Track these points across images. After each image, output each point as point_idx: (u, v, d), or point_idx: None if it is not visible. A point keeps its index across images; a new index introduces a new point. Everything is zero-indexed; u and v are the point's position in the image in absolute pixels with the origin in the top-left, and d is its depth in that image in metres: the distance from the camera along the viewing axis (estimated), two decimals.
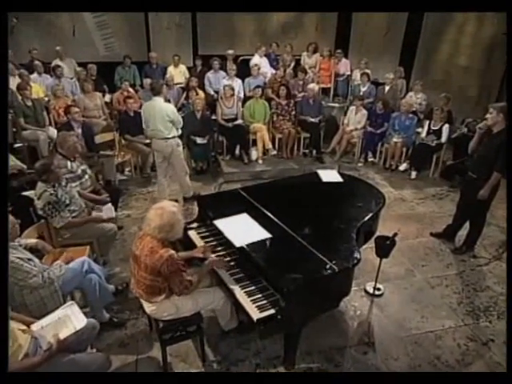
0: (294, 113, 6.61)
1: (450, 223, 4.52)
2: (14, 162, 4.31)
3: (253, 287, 2.62)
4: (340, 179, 3.82)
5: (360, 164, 6.70)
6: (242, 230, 2.88)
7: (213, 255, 2.91)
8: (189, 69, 8.46)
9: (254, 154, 6.40)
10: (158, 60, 8.33)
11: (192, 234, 3.24)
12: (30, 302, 2.76)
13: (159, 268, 2.45)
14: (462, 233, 4.43)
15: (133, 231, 4.63)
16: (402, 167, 6.43)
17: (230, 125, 6.33)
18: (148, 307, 2.65)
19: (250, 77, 7.34)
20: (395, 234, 3.37)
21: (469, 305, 3.61)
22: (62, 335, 2.40)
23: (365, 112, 6.68)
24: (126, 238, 4.50)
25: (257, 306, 2.48)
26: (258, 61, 7.70)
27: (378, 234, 3.48)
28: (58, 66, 6.77)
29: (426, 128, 6.26)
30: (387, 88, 7.23)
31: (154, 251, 2.48)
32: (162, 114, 4.73)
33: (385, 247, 3.36)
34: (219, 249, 3.01)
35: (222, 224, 2.96)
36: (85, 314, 3.04)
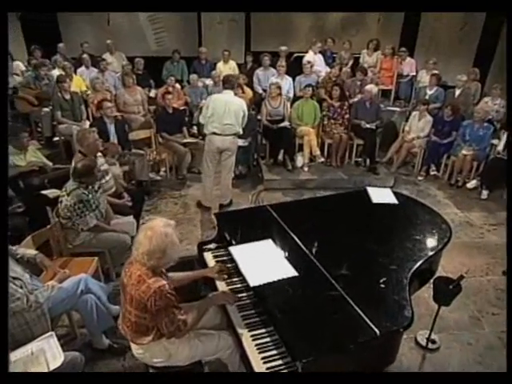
0: (347, 116, 5.91)
1: None
2: (37, 157, 4.06)
3: (267, 339, 2.05)
4: (394, 200, 3.12)
5: (420, 178, 5.86)
6: (262, 262, 2.31)
7: (224, 284, 2.39)
8: (239, 65, 8.04)
9: (300, 160, 5.79)
10: (207, 56, 7.99)
11: (208, 256, 2.73)
12: (13, 326, 2.38)
13: (145, 302, 1.97)
14: None
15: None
16: (471, 185, 5.52)
17: (274, 127, 5.76)
18: (135, 349, 2.17)
19: (302, 75, 6.73)
20: (461, 277, 2.64)
21: None
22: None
23: (430, 118, 5.83)
24: None
25: (268, 368, 1.91)
26: (312, 58, 7.07)
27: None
28: (103, 60, 6.59)
29: (503, 140, 5.32)
30: (458, 92, 6.28)
31: (142, 280, 2.00)
32: (235, 107, 4.42)
33: (446, 293, 2.64)
34: (236, 279, 2.47)
35: (238, 252, 2.41)
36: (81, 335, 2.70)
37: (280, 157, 5.74)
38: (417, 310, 3.05)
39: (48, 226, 3.16)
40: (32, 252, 2.75)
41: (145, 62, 7.54)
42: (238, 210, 3.80)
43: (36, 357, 2.10)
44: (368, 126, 5.77)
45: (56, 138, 5.73)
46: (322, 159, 5.77)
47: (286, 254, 2.39)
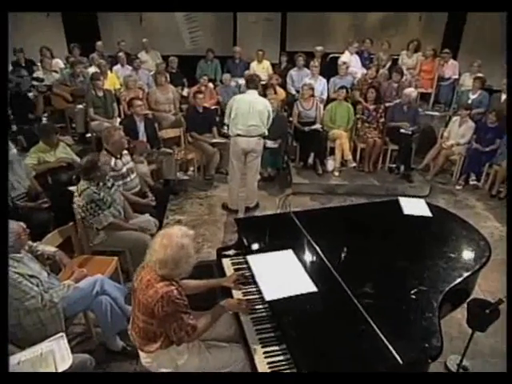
0: (382, 120, 5.66)
1: None
2: (66, 154, 4.09)
3: (280, 357, 1.92)
4: (428, 213, 2.90)
5: (458, 187, 5.52)
6: (280, 274, 2.18)
7: (240, 293, 2.27)
8: (273, 65, 7.93)
9: (331, 164, 5.59)
10: (241, 55, 7.92)
11: (226, 263, 2.63)
12: (28, 324, 2.38)
13: (153, 307, 1.90)
14: None
15: None
16: None
17: (306, 129, 5.60)
18: (143, 358, 2.09)
19: (337, 76, 6.52)
20: (500, 301, 2.39)
21: None
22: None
23: (472, 124, 5.48)
24: None
25: None
26: (348, 58, 6.85)
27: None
28: (136, 58, 6.65)
29: None
30: (504, 97, 5.87)
31: (150, 285, 1.94)
32: (260, 107, 4.31)
33: (482, 318, 2.40)
34: (253, 289, 2.35)
35: (256, 262, 2.29)
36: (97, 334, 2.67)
37: (310, 160, 5.57)
38: (448, 331, 2.87)
39: (70, 224, 3.17)
40: (51, 249, 2.75)
41: (179, 61, 7.56)
42: (260, 216, 3.69)
43: (45, 358, 2.07)
44: (404, 130, 5.49)
45: (88, 135, 5.82)
46: (354, 164, 5.54)
47: (307, 266, 2.25)
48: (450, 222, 2.83)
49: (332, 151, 5.59)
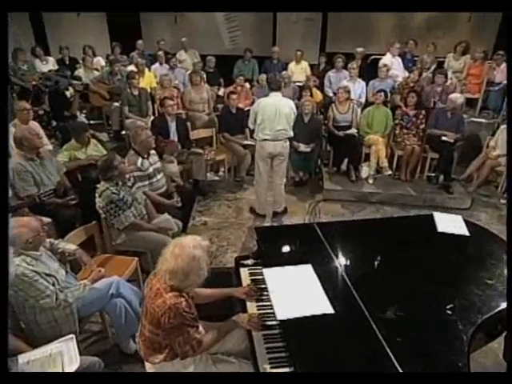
0: (422, 126, 5.35)
1: None
2: (97, 151, 4.14)
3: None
4: (465, 231, 2.65)
5: (503, 201, 5.11)
6: (296, 291, 2.05)
7: (255, 307, 2.16)
8: (312, 66, 7.76)
9: (365, 170, 5.36)
10: (279, 55, 7.81)
11: (244, 273, 2.52)
12: (42, 322, 2.39)
13: (159, 317, 1.83)
14: None
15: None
16: None
17: (340, 133, 5.40)
18: (147, 368, 2.03)
19: (376, 79, 6.25)
20: None
21: None
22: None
23: None
24: None
25: None
26: (389, 61, 6.55)
27: None
28: (173, 57, 6.70)
29: None
30: None
31: (159, 294, 1.87)
32: (287, 110, 4.20)
33: None
34: (268, 303, 2.23)
35: (271, 276, 2.17)
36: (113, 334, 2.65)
37: (343, 166, 5.37)
38: (483, 362, 2.63)
39: (93, 222, 3.18)
40: (72, 247, 2.75)
41: (217, 60, 7.57)
42: (282, 226, 3.55)
43: (53, 359, 2.07)
44: (446, 138, 5.17)
45: (123, 132, 5.91)
46: (390, 172, 5.27)
47: (325, 284, 2.09)
48: (490, 243, 2.57)
49: (367, 157, 5.36)
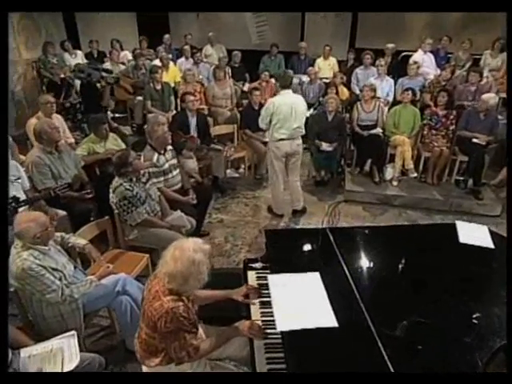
0: (452, 127, 5.08)
1: None
2: (116, 145, 4.16)
3: None
4: (490, 244, 2.47)
5: None
6: (300, 301, 1.95)
7: (258, 313, 2.08)
8: (340, 63, 7.57)
9: (389, 172, 5.16)
10: (307, 51, 7.65)
11: (251, 276, 2.44)
12: (49, 316, 2.41)
13: (156, 320, 1.79)
14: None
15: (217, 242, 4.08)
16: None
17: (365, 133, 5.22)
18: (145, 371, 1.99)
19: (405, 77, 6.01)
20: None
21: None
22: None
23: None
24: None
25: None
26: (420, 58, 6.29)
27: None
28: (198, 52, 6.67)
29: None
30: None
31: (157, 297, 1.83)
32: (301, 108, 4.14)
33: None
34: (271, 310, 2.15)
35: (276, 282, 2.08)
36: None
37: (367, 167, 5.19)
38: None
39: (106, 217, 3.18)
40: (82, 242, 2.76)
41: (243, 55, 7.50)
42: (293, 230, 3.45)
43: (54, 355, 2.07)
44: (478, 140, 4.90)
45: (146, 126, 5.92)
46: (415, 174, 5.05)
47: (332, 294, 1.98)
48: None
49: (392, 158, 5.15)
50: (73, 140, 4.56)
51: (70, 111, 5.76)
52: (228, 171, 5.59)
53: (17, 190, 3.19)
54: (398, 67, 6.63)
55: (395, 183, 5.05)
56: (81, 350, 2.32)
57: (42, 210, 3.23)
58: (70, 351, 2.07)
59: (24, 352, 2.07)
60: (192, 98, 4.72)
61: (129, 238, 3.26)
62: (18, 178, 3.25)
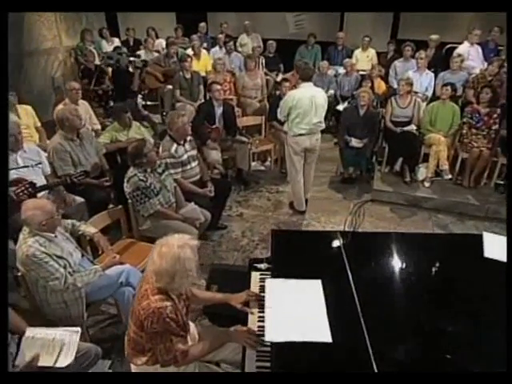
0: (495, 127, 4.69)
1: None
2: (139, 134, 4.15)
3: None
4: None
5: None
6: (295, 310, 1.84)
7: (256, 318, 1.98)
8: (379, 54, 7.22)
9: (422, 172, 4.86)
10: (345, 41, 7.36)
11: (255, 277, 2.33)
12: (53, 302, 2.44)
13: (143, 320, 1.74)
14: None
15: (233, 236, 4.01)
16: None
17: (398, 129, 4.94)
18: (133, 369, 1.96)
19: (447, 70, 5.62)
20: None
21: None
22: (40, 362, 1.99)
23: None
24: (222, 243, 3.91)
25: None
26: (465, 50, 5.86)
27: None
28: (230, 41, 6.56)
29: None
30: None
31: (146, 295, 1.78)
32: (322, 101, 4.00)
33: None
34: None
35: (274, 288, 1.97)
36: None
37: (397, 166, 4.92)
38: None
39: (119, 206, 3.19)
40: (91, 230, 2.77)
41: (279, 45, 7.33)
42: (302, 232, 3.29)
43: (53, 345, 2.07)
44: None
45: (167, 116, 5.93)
46: (450, 176, 4.73)
47: (332, 306, 1.85)
48: None
49: (426, 158, 4.85)
50: (99, 127, 4.61)
51: (102, 98, 5.87)
52: (254, 164, 5.50)
53: (37, 175, 3.27)
54: (442, 60, 6.22)
55: (427, 184, 4.76)
56: (84, 339, 2.36)
57: (60, 196, 3.32)
58: (68, 348, 2.06)
59: (29, 331, 2.10)
60: (218, 87, 4.64)
61: (142, 228, 3.26)
62: (39, 163, 3.32)
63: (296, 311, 1.84)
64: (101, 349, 2.29)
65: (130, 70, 5.76)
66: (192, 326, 2.11)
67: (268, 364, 1.79)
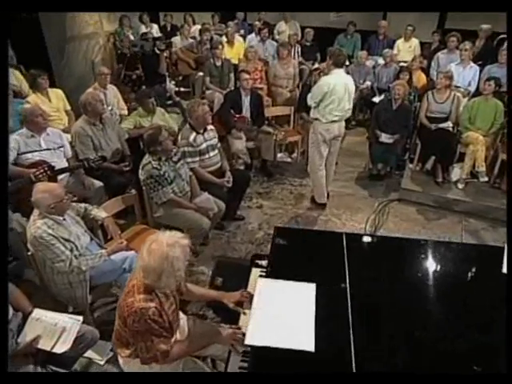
0: None
1: None
2: (163, 120, 4.17)
3: None
4: None
5: None
6: (283, 314, 1.78)
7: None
8: (423, 45, 6.85)
9: (456, 173, 4.57)
10: (386, 30, 7.02)
11: (255, 273, 2.28)
12: (58, 282, 2.53)
13: (126, 317, 1.74)
14: None
15: (250, 228, 3.97)
16: None
17: (433, 126, 4.66)
18: (119, 359, 1.97)
19: (495, 64, 5.21)
20: None
21: None
22: (40, 345, 2.06)
23: None
24: (237, 234, 3.88)
25: None
26: None
27: None
28: (264, 28, 6.43)
29: None
30: None
31: (131, 292, 1.77)
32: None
33: None
34: None
35: (264, 288, 1.91)
36: None
37: (428, 165, 4.63)
38: None
39: (133, 192, 3.23)
40: (102, 214, 2.81)
41: (318, 33, 7.11)
42: (307, 231, 3.17)
43: (54, 330, 2.13)
44: None
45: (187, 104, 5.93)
46: (487, 178, 4.40)
47: (322, 313, 1.76)
48: None
49: (461, 158, 4.55)
50: (126, 112, 4.68)
51: (136, 83, 5.97)
52: (280, 155, 5.41)
53: (59, 158, 3.38)
54: (492, 52, 5.78)
55: (461, 186, 4.46)
56: (87, 322, 2.42)
57: (80, 179, 3.41)
58: (67, 335, 2.12)
59: (36, 313, 2.17)
60: (247, 76, 4.55)
61: (156, 216, 3.29)
62: (61, 146, 3.42)
63: (283, 315, 1.77)
64: (103, 332, 2.34)
65: (157, 52, 5.79)
66: (184, 319, 2.10)
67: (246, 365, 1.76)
